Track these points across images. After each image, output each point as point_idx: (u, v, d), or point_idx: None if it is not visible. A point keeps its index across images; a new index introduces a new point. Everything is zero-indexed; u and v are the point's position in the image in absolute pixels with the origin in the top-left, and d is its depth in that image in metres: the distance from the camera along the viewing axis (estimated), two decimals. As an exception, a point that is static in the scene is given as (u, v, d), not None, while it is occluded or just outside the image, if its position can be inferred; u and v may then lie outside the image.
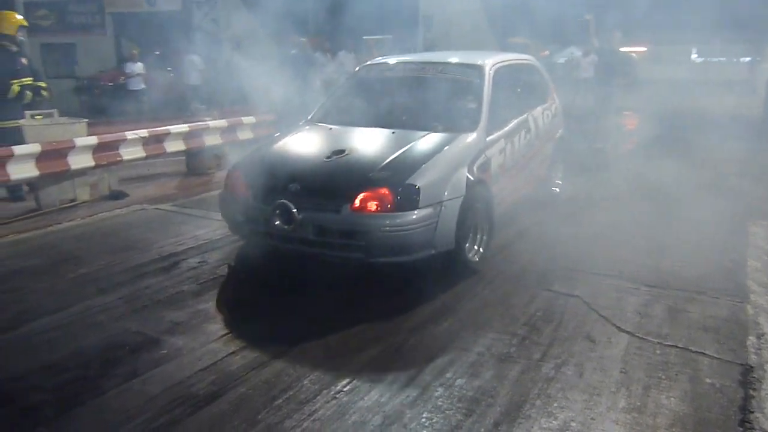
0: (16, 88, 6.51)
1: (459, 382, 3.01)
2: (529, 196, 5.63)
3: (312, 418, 2.73)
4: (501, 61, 5.39)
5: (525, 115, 5.48)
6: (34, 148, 5.99)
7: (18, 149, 5.85)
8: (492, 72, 5.08)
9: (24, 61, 6.75)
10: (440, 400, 2.86)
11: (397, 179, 3.97)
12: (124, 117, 12.27)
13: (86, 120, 7.17)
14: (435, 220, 3.93)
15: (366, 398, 2.89)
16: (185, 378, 3.08)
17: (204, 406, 2.84)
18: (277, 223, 3.98)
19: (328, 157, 4.30)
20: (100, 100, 14.58)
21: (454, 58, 5.51)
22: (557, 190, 6.36)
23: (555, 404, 2.82)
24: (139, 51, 14.94)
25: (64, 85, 15.78)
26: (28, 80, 6.67)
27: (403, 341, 3.42)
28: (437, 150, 4.29)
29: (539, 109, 5.87)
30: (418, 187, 3.92)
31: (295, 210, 3.94)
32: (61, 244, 5.22)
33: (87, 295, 4.04)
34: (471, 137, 4.57)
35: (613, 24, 10.68)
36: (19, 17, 6.91)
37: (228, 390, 2.96)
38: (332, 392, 2.93)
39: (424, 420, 2.72)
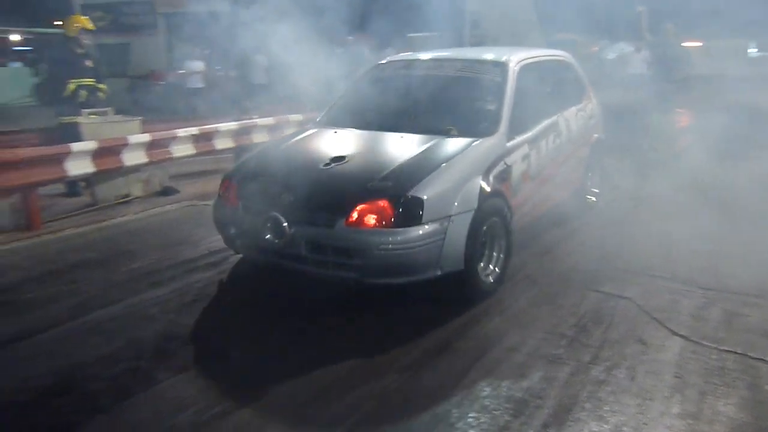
0: (71, 86, 6.78)
1: (506, 382, 2.98)
2: (560, 206, 5.24)
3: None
4: (528, 58, 4.94)
5: (555, 117, 5.01)
6: (90, 145, 6.19)
7: (75, 146, 6.06)
8: (516, 70, 4.62)
9: (88, 63, 7.03)
10: (487, 400, 2.83)
11: (398, 190, 3.55)
12: (178, 115, 12.55)
13: (140, 118, 7.38)
14: (441, 237, 3.52)
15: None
16: (235, 371, 3.13)
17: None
18: (268, 237, 3.64)
19: (326, 165, 3.90)
20: (154, 99, 14.95)
21: (476, 55, 5.08)
22: (593, 198, 5.89)
23: (606, 408, 2.76)
24: (198, 50, 15.17)
25: (119, 84, 16.26)
26: (88, 81, 6.93)
27: (448, 342, 3.41)
28: (448, 157, 3.85)
29: (572, 110, 5.41)
30: (422, 200, 3.48)
31: (285, 224, 3.59)
32: (116, 238, 5.39)
33: (140, 289, 4.16)
34: (488, 142, 4.11)
35: (666, 17, 10.33)
36: (83, 20, 7.16)
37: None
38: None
39: (471, 420, 2.70)
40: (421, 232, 3.46)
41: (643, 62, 11.62)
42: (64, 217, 6.07)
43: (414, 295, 3.81)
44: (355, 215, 3.49)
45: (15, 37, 23.38)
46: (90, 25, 7.23)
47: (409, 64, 5.21)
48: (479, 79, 4.68)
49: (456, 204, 3.60)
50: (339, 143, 4.34)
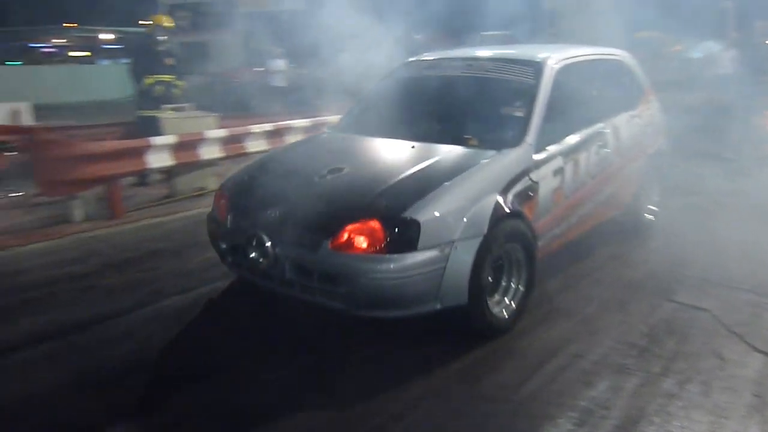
0: (147, 81, 7.12)
1: (570, 390, 2.90)
2: (608, 225, 4.73)
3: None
4: (570, 57, 4.35)
5: (600, 125, 4.37)
6: (170, 139, 6.46)
7: (156, 140, 6.34)
8: (554, 71, 4.04)
9: (168, 60, 7.35)
10: (550, 407, 2.77)
11: (392, 210, 3.09)
12: (255, 112, 12.90)
13: (216, 114, 7.65)
14: (441, 266, 3.05)
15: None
16: (298, 363, 3.20)
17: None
18: (253, 255, 3.28)
19: (322, 176, 3.50)
20: (232, 96, 15.40)
21: (510, 53, 4.50)
22: (651, 217, 5.25)
23: (675, 423, 2.64)
24: (279, 49, 15.49)
25: (199, 81, 16.88)
26: (165, 77, 7.26)
27: (513, 344, 3.35)
28: (458, 171, 3.36)
29: (624, 116, 4.74)
30: (419, 223, 3.02)
31: (269, 243, 3.23)
32: (191, 229, 5.59)
33: (212, 278, 4.30)
34: (511, 155, 3.59)
35: (754, 14, 9.74)
36: (163, 19, 7.50)
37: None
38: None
39: (532, 425, 2.65)
40: (416, 259, 3.00)
41: (731, 62, 11.03)
42: (143, 208, 6.36)
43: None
44: (342, 237, 3.07)
45: (105, 36, 24.69)
46: (169, 24, 7.54)
47: (435, 63, 4.70)
48: (510, 82, 4.11)
49: (461, 227, 3.12)
50: (343, 152, 3.97)
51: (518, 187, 3.50)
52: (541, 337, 3.41)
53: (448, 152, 3.66)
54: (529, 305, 3.63)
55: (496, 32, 15.16)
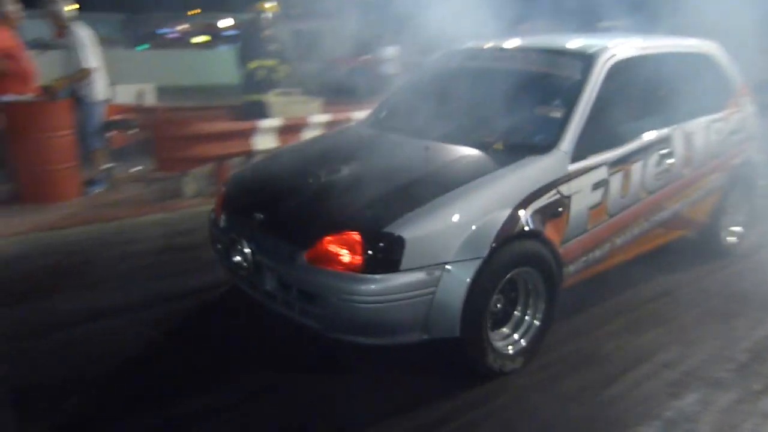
0: (251, 66, 7.43)
1: (654, 398, 2.78)
2: (673, 248, 4.15)
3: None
4: (634, 50, 3.70)
5: (666, 131, 3.70)
6: (276, 122, 6.73)
7: (263, 123, 6.63)
8: (608, 65, 3.43)
9: (273, 46, 7.64)
10: (631, 414, 2.67)
11: (376, 223, 2.66)
12: (360, 98, 13.11)
13: (321, 99, 7.86)
14: (430, 291, 2.63)
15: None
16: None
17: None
18: (237, 260, 3.03)
19: (316, 178, 3.15)
20: (341, 82, 15.70)
21: (563, 43, 3.84)
22: (734, 239, 4.50)
23: (771, 445, 2.47)
24: (392, 36, 15.58)
25: (309, 67, 17.37)
26: (268, 62, 7.54)
27: (597, 347, 3.25)
28: (466, 180, 2.89)
29: (702, 121, 3.99)
30: (404, 240, 2.58)
31: (248, 250, 2.97)
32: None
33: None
34: (538, 163, 3.06)
35: None
36: (268, 5, 7.75)
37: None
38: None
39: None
40: (398, 282, 2.59)
41: None
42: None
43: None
44: (318, 249, 2.71)
45: (224, 23, 25.98)
46: (272, 9, 7.78)
47: (476, 53, 4.16)
48: (553, 77, 3.57)
49: (457, 247, 2.66)
50: (349, 150, 3.59)
51: (542, 202, 2.97)
52: (630, 343, 3.28)
53: (464, 156, 3.20)
54: (619, 307, 3.49)
55: (611, 22, 14.45)
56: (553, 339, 3.23)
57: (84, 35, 6.09)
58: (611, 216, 3.40)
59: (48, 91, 6.02)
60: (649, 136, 3.59)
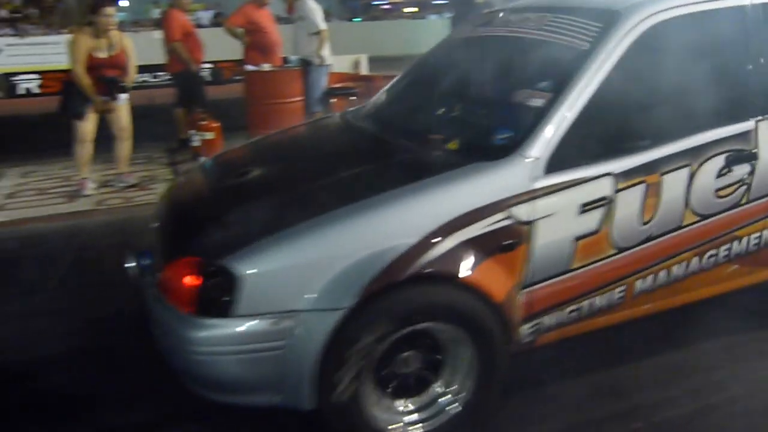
0: None
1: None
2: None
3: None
4: (684, 5, 2.48)
5: (740, 126, 2.51)
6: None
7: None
8: (640, 28, 2.36)
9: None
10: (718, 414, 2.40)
11: (218, 249, 2.06)
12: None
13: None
14: (277, 345, 1.97)
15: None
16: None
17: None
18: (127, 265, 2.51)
19: (221, 182, 2.74)
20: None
21: (591, 2, 2.75)
22: None
23: None
24: None
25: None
26: None
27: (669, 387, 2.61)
28: (368, 194, 2.14)
29: None
30: (236, 277, 1.95)
31: (133, 263, 2.42)
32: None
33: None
34: (481, 174, 2.20)
35: None
36: None
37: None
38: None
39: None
40: (229, 331, 1.97)
41: None
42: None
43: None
44: (165, 273, 2.18)
45: (435, -9, 26.41)
46: None
47: (491, 18, 3.21)
48: (557, 47, 2.50)
49: (317, 291, 1.96)
50: (289, 147, 3.14)
51: (477, 230, 2.10)
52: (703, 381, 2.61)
53: (395, 160, 2.46)
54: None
55: None
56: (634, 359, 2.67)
57: (312, 4, 6.75)
58: (621, 250, 2.36)
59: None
60: (710, 132, 2.45)
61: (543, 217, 2.19)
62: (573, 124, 2.23)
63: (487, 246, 2.12)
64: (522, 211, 2.16)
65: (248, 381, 2.03)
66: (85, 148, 5.40)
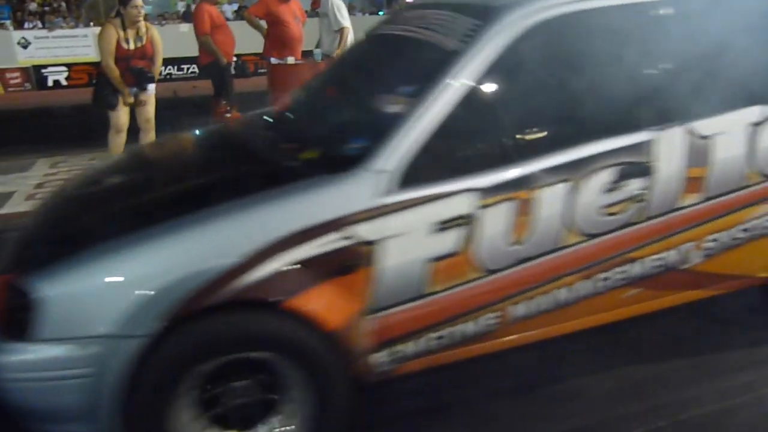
0: None
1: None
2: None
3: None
4: (560, 4, 2.25)
5: (638, 136, 2.26)
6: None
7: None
8: (519, 28, 2.17)
9: None
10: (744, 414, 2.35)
11: (26, 266, 1.94)
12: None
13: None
14: (84, 372, 1.81)
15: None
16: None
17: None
18: None
19: (85, 188, 2.62)
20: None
21: None
22: None
23: None
24: None
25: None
26: None
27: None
28: (191, 210, 1.98)
29: (736, 118, 2.39)
30: (32, 299, 1.80)
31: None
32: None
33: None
34: (319, 188, 2.02)
35: None
36: None
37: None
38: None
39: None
40: (27, 356, 1.82)
41: None
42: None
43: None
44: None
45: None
46: None
47: (393, 16, 3.12)
48: (428, 46, 2.36)
49: (123, 316, 1.80)
50: (167, 152, 2.97)
51: (310, 250, 1.92)
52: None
53: (238, 172, 2.31)
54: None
55: None
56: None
57: (336, 0, 6.74)
58: (491, 272, 2.13)
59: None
60: (588, 143, 2.20)
61: (392, 236, 1.98)
62: (435, 134, 2.04)
63: (321, 268, 1.93)
64: (364, 230, 1.95)
65: (56, 411, 1.87)
66: (119, 138, 5.46)
